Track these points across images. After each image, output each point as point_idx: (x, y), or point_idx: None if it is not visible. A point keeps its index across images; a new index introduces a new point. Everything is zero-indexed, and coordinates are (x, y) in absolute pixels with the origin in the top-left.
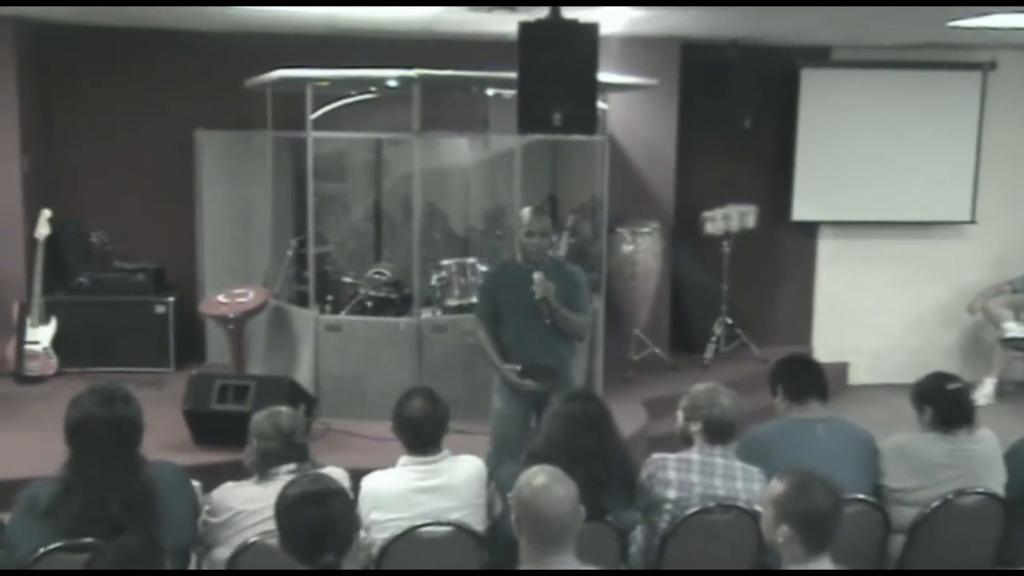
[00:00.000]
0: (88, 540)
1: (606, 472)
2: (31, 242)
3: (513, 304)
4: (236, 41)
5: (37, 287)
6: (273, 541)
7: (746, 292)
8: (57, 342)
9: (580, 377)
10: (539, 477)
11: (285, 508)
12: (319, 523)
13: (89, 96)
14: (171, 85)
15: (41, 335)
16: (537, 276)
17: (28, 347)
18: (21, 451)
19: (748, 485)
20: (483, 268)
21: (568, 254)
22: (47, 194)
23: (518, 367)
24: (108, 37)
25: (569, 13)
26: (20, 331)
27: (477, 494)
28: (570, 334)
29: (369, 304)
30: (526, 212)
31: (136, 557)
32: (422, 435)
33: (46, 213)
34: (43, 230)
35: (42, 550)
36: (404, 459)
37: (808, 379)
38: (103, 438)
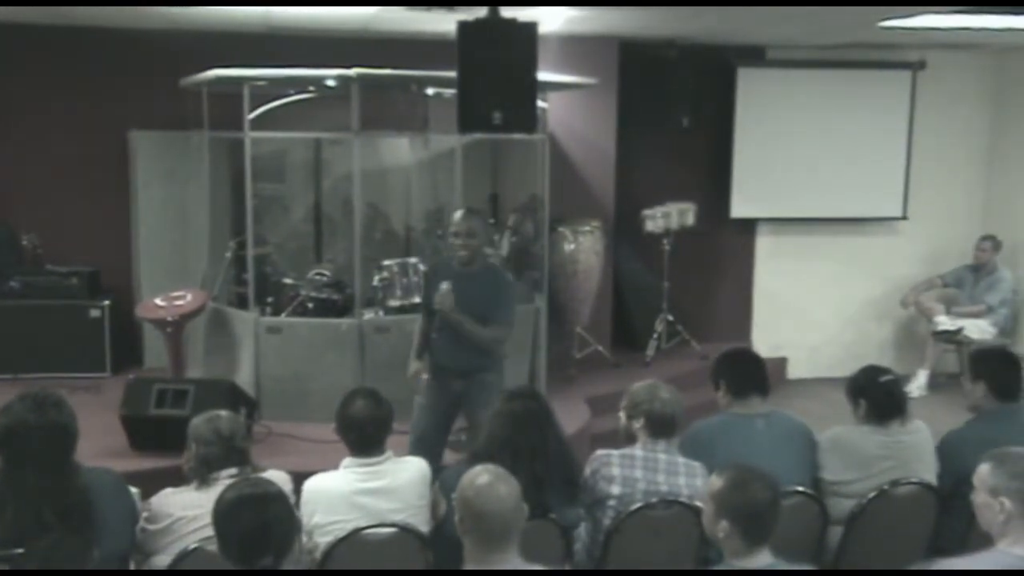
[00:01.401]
0: (20, 551)
1: (548, 470)
2: None
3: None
4: (172, 40)
5: None
6: (213, 547)
7: (686, 289)
8: None
9: (523, 375)
10: (482, 476)
11: (222, 512)
12: (256, 527)
13: (20, 95)
14: (105, 84)
15: None
16: (443, 286)
17: None
18: None
19: (690, 480)
20: (424, 268)
21: (510, 253)
22: None
23: (424, 374)
24: (40, 36)
25: (507, 12)
26: None
27: (420, 495)
28: (477, 345)
29: (310, 305)
30: (456, 213)
31: (60, 555)
32: (366, 436)
33: None
34: None
35: None
36: (347, 461)
37: (750, 374)
38: (36, 446)
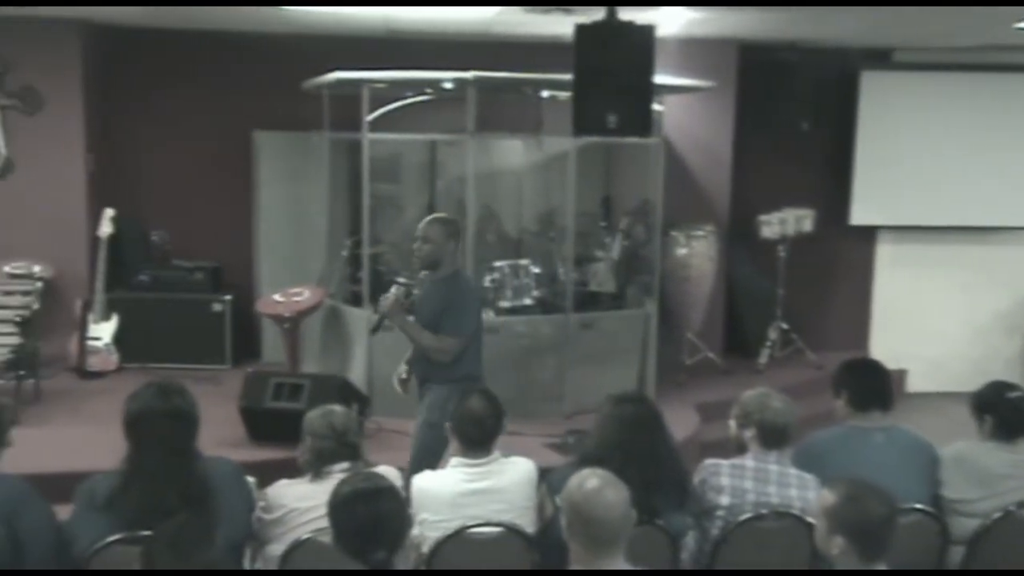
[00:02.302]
0: (146, 533)
1: (659, 474)
2: (94, 240)
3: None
4: (294, 43)
5: (100, 284)
6: (325, 539)
7: (802, 297)
8: (118, 338)
9: (631, 380)
10: (590, 480)
11: (338, 505)
12: (371, 520)
13: (152, 97)
14: (231, 86)
15: (103, 331)
16: (392, 289)
17: (90, 343)
18: (82, 445)
19: (803, 493)
20: (536, 270)
21: (621, 256)
22: (110, 193)
23: (403, 376)
24: (171, 40)
25: (625, 15)
26: (83, 327)
27: (527, 496)
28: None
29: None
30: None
31: (188, 536)
32: (476, 435)
33: (109, 212)
34: (106, 229)
35: (101, 543)
36: (455, 460)
37: (874, 386)
38: (161, 430)
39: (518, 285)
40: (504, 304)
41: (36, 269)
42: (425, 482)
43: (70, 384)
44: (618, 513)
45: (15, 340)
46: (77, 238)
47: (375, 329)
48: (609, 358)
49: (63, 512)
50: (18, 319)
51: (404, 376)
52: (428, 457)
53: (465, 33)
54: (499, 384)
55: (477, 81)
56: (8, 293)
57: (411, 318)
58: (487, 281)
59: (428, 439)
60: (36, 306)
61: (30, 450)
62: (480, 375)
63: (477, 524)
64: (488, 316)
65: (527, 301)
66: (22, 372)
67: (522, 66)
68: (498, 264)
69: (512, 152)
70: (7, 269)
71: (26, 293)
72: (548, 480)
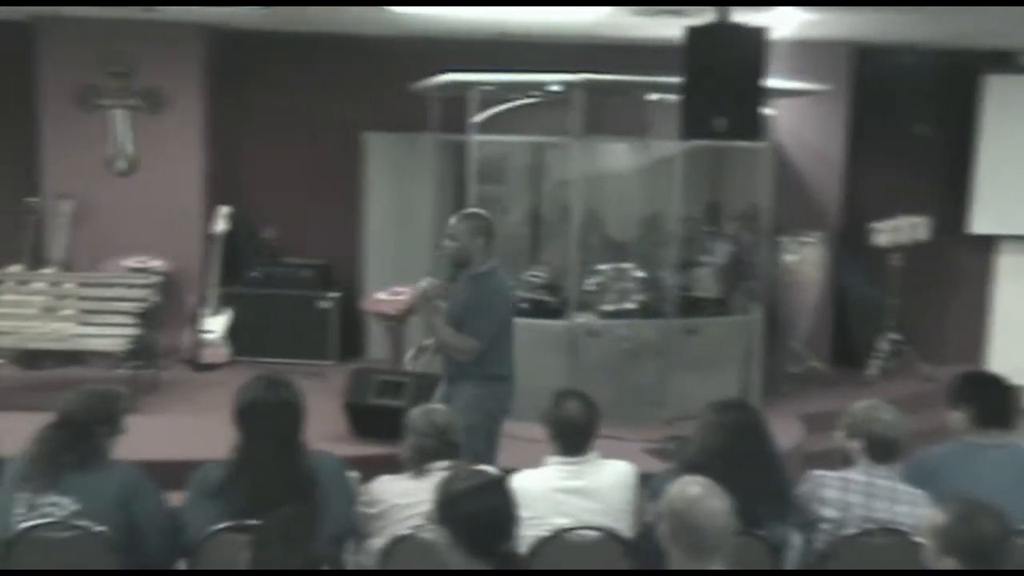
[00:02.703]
0: (253, 522)
1: (762, 483)
2: (209, 237)
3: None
4: (404, 45)
5: (213, 280)
6: (426, 535)
7: (915, 307)
8: (230, 332)
9: (734, 387)
10: (692, 488)
11: (460, 498)
12: (499, 511)
13: (266, 98)
14: (343, 88)
15: (216, 325)
16: (423, 282)
17: (203, 336)
18: (195, 434)
19: (913, 510)
20: (640, 274)
21: (727, 262)
22: (225, 191)
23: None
24: (286, 42)
25: (737, 16)
26: (197, 321)
27: (625, 499)
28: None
29: (524, 306)
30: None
31: (294, 528)
32: (573, 436)
33: (223, 209)
34: (220, 226)
35: (211, 529)
36: (551, 459)
37: (997, 402)
38: (269, 421)
39: (621, 289)
40: (606, 307)
41: (155, 264)
42: (521, 479)
43: (184, 375)
44: (720, 521)
45: (134, 331)
46: (193, 234)
47: (401, 320)
48: (712, 364)
49: (175, 499)
50: (137, 311)
51: (414, 357)
52: (482, 460)
53: (572, 36)
54: (599, 387)
55: (584, 84)
56: (129, 286)
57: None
58: (590, 284)
59: (475, 443)
60: (154, 299)
61: (145, 438)
62: (511, 374)
63: (575, 527)
64: (590, 319)
65: (630, 305)
66: (140, 362)
67: (629, 68)
68: (601, 267)
69: (618, 155)
70: (128, 263)
71: (145, 286)
72: (648, 486)
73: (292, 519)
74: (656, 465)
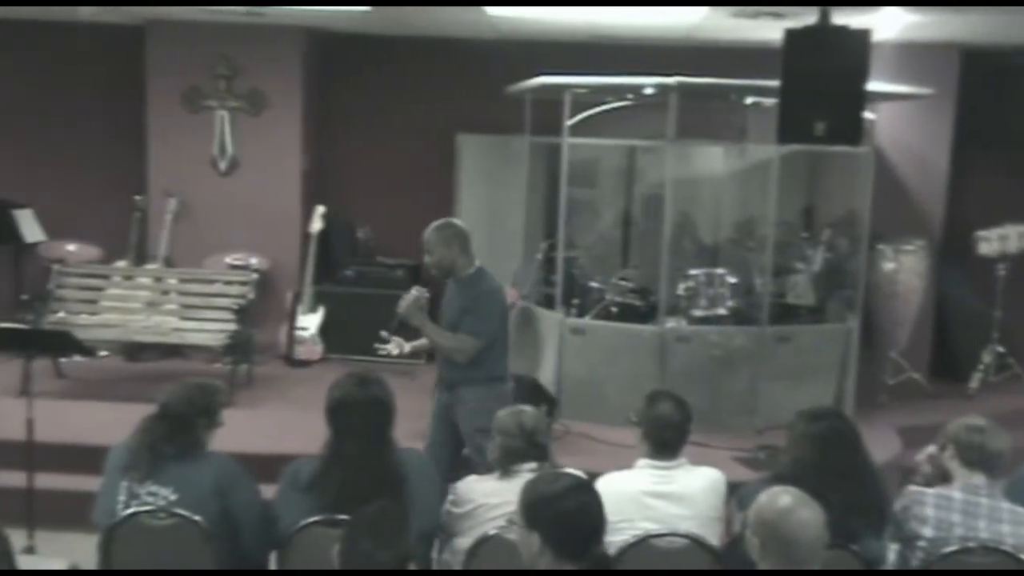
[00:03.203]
0: (343, 516)
1: (857, 496)
2: (306, 236)
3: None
4: (499, 48)
5: (309, 278)
6: (513, 535)
7: (1021, 319)
8: (323, 329)
9: (828, 397)
10: (783, 498)
11: (548, 499)
12: (586, 513)
13: (362, 100)
14: (438, 90)
15: (310, 322)
16: (412, 291)
17: (298, 333)
18: (288, 428)
19: (1016, 529)
20: (732, 280)
21: (823, 269)
22: (321, 191)
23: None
24: (383, 45)
25: (839, 18)
26: (292, 318)
27: (713, 507)
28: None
29: (614, 310)
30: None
31: (385, 523)
32: (665, 438)
33: (320, 209)
34: (316, 225)
35: (303, 522)
36: (641, 461)
37: None
38: (360, 418)
39: (713, 294)
40: (697, 313)
41: (253, 261)
42: (610, 481)
43: (279, 371)
44: (812, 534)
45: (232, 327)
46: (291, 233)
47: (392, 330)
48: (806, 373)
49: (268, 492)
50: (235, 307)
51: (387, 338)
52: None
53: (667, 38)
54: (688, 394)
55: (680, 87)
56: (228, 283)
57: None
58: (681, 289)
59: (484, 443)
60: (251, 296)
61: (241, 431)
62: (506, 376)
63: (663, 532)
64: (680, 325)
65: (721, 311)
66: (236, 357)
67: (724, 71)
68: (693, 272)
69: (712, 159)
70: (228, 260)
71: (243, 283)
72: (738, 495)
73: (384, 515)
74: (745, 474)
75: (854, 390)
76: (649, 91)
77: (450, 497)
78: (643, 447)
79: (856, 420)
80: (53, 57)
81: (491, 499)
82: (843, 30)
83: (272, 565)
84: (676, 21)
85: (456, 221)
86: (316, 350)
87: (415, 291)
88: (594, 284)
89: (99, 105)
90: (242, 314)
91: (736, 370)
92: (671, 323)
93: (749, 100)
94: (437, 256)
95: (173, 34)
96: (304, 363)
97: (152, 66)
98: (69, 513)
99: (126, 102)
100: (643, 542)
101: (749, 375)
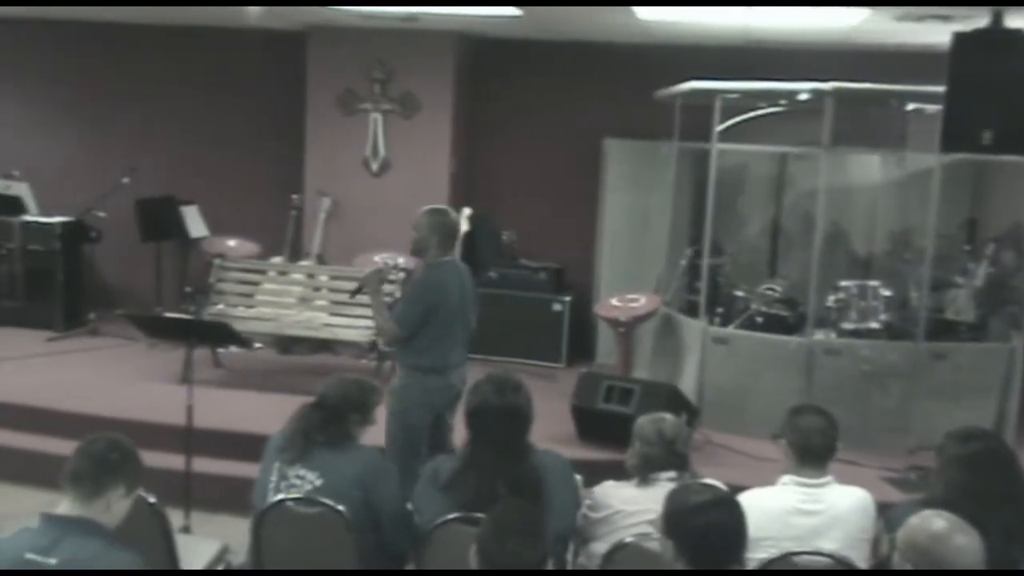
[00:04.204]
0: (479, 516)
1: (1018, 521)
2: None
3: None
4: (649, 53)
5: None
6: (650, 544)
7: None
8: None
9: (988, 418)
10: (936, 522)
11: (690, 511)
12: (728, 527)
13: (511, 104)
14: (586, 95)
15: None
16: (378, 259)
17: None
18: None
19: None
20: (887, 293)
21: (986, 284)
22: (468, 193)
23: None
24: (533, 50)
25: (1013, 20)
26: None
27: (861, 528)
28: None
29: (759, 319)
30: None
31: (522, 524)
32: (812, 453)
33: (466, 211)
34: (463, 226)
35: (440, 519)
36: (786, 478)
37: None
38: (496, 425)
39: (865, 307)
40: (848, 326)
41: (400, 261)
42: (754, 496)
43: None
44: (968, 560)
45: None
46: None
47: (353, 294)
48: (963, 393)
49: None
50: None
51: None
52: (400, 447)
53: (822, 42)
54: (835, 409)
55: (836, 92)
56: None
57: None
58: (830, 300)
59: (392, 428)
60: (398, 294)
61: (380, 427)
62: (441, 368)
63: (808, 552)
64: (829, 337)
65: (873, 325)
66: (382, 354)
67: (881, 76)
68: (844, 284)
69: (868, 167)
70: (376, 259)
71: (391, 282)
72: (887, 516)
73: (527, 515)
74: (894, 495)
75: (1016, 411)
76: (803, 97)
77: (587, 501)
78: (788, 461)
79: (1018, 442)
80: (220, 62)
81: (628, 506)
82: (1017, 33)
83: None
84: (833, 24)
85: (451, 212)
86: None
87: (382, 263)
88: (739, 293)
89: (262, 108)
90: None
91: (888, 387)
92: (819, 335)
93: (910, 106)
94: (419, 236)
95: (332, 39)
96: None
97: (311, 70)
98: (222, 496)
99: (287, 105)
100: (785, 560)
101: (902, 392)
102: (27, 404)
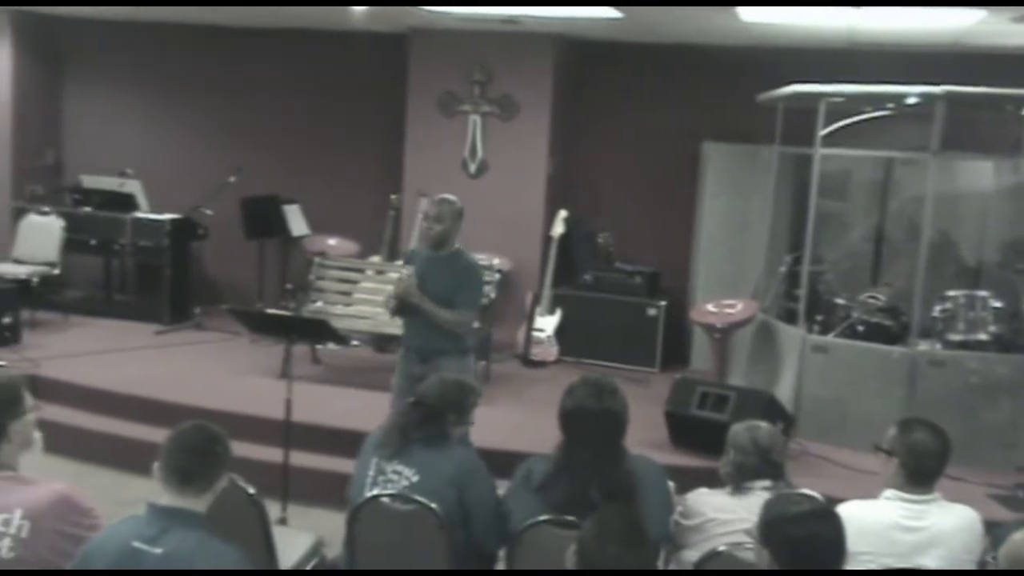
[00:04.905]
0: (571, 519)
1: None
2: (547, 239)
3: None
4: (751, 55)
5: (548, 280)
6: (743, 553)
7: None
8: (559, 332)
9: None
10: None
11: (787, 521)
12: (826, 540)
13: (607, 106)
14: (685, 98)
15: (547, 324)
16: (403, 273)
17: (535, 334)
18: (521, 427)
19: None
20: (996, 304)
21: None
22: (564, 196)
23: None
24: (632, 52)
25: None
26: (530, 319)
27: (967, 548)
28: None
29: (860, 328)
30: (431, 197)
31: (623, 530)
32: (920, 469)
33: (562, 213)
34: (558, 229)
35: (532, 520)
36: (889, 492)
37: None
38: (591, 429)
39: (973, 318)
40: (954, 337)
41: (495, 262)
42: (855, 510)
43: (514, 370)
44: None
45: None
46: (532, 236)
47: (396, 313)
48: None
49: (499, 487)
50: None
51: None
52: None
53: (931, 44)
54: (941, 422)
55: (948, 96)
56: None
57: None
58: (936, 310)
59: None
60: (492, 295)
61: (477, 427)
62: (473, 345)
63: (908, 570)
64: (934, 348)
65: (982, 336)
66: (475, 354)
67: (993, 79)
68: (951, 293)
69: (979, 174)
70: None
71: (487, 283)
72: (993, 534)
73: (631, 521)
74: (1001, 513)
75: None
76: (912, 101)
77: (679, 508)
78: (893, 478)
79: None
80: (325, 64)
81: (721, 514)
82: None
83: (501, 561)
84: (945, 26)
85: (457, 199)
86: (552, 352)
87: (405, 271)
88: (840, 300)
89: (364, 109)
90: (483, 313)
91: (996, 401)
92: (924, 346)
93: None
94: (446, 226)
95: (433, 41)
96: (539, 364)
97: (413, 72)
98: (318, 490)
99: (388, 106)
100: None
101: (1011, 407)
102: (135, 394)
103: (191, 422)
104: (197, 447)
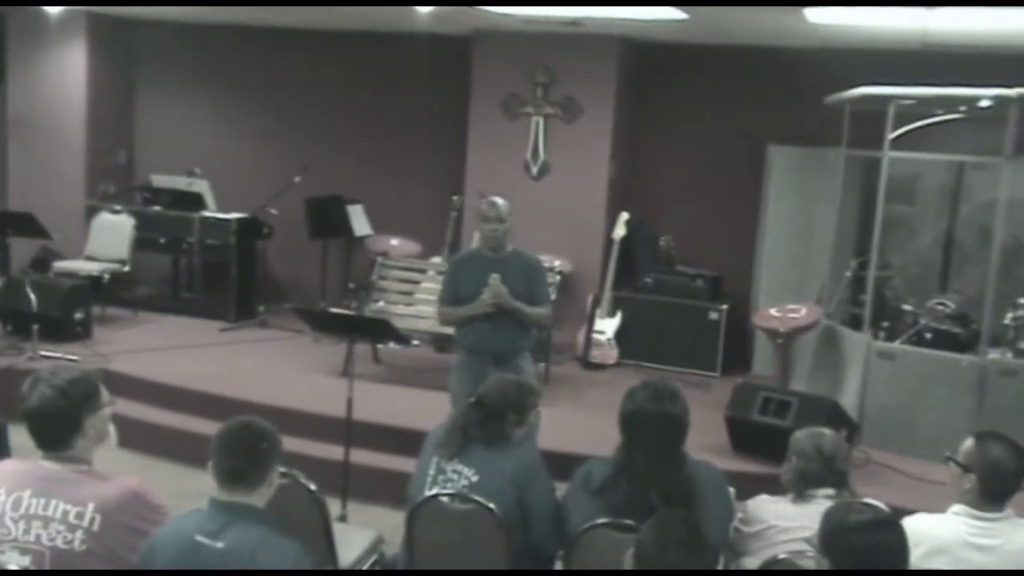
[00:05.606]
0: (629, 522)
1: None
2: (608, 241)
3: (472, 294)
4: (818, 57)
5: (609, 283)
6: (804, 561)
7: None
8: (620, 334)
9: None
10: None
11: (850, 530)
12: (888, 551)
13: (670, 108)
14: (751, 100)
15: (607, 326)
16: (493, 280)
17: (595, 336)
18: (581, 429)
19: None
20: None
21: None
22: (626, 197)
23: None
24: (694, 54)
25: None
26: (590, 321)
27: None
28: (530, 326)
29: (928, 336)
30: (488, 199)
31: (684, 535)
32: (993, 486)
33: (624, 216)
34: (620, 231)
35: (590, 523)
36: (958, 508)
37: None
38: (651, 432)
39: None
40: None
41: (556, 263)
42: (920, 523)
43: (574, 372)
44: None
45: None
46: (594, 238)
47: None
48: None
49: (558, 489)
50: None
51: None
52: None
53: (1006, 46)
54: (1012, 433)
55: (1022, 99)
56: None
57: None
58: (1008, 319)
59: None
60: (553, 297)
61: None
62: None
63: (958, 571)
64: (1005, 357)
65: None
66: (535, 356)
67: None
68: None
69: None
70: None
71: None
72: None
73: (691, 526)
74: None
75: None
76: (985, 103)
77: (739, 515)
78: (967, 494)
79: None
80: (389, 66)
81: (783, 522)
82: None
83: (559, 563)
84: (1021, 27)
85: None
86: (612, 354)
87: (495, 278)
88: (907, 307)
89: (428, 110)
90: None
91: None
92: (994, 354)
93: None
94: (506, 225)
95: (496, 43)
96: (599, 366)
97: (476, 74)
98: (378, 488)
99: (451, 108)
100: None
101: None
102: (200, 390)
103: (237, 419)
104: (242, 446)
